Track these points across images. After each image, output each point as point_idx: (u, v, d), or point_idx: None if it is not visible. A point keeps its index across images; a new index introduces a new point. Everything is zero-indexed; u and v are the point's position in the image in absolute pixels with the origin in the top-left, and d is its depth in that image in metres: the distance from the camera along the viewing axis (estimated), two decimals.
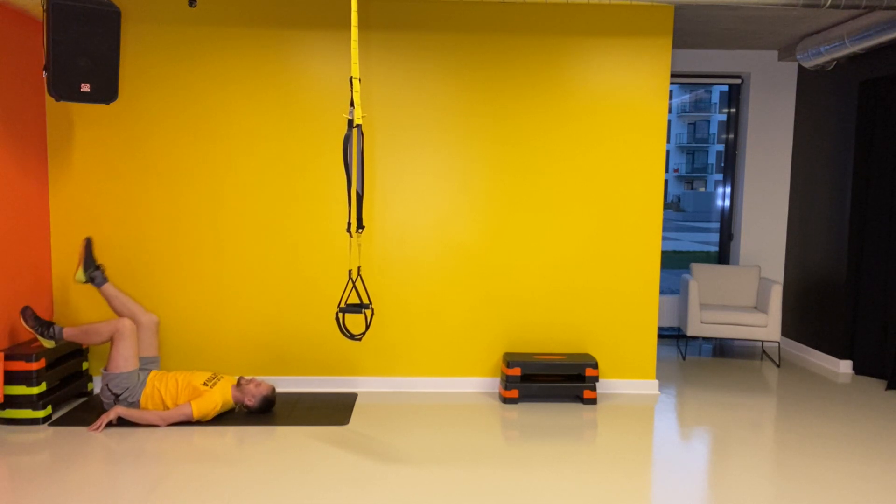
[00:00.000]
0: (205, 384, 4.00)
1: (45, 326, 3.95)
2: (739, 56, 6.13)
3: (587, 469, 3.40)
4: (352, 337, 3.42)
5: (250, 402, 4.08)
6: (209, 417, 3.95)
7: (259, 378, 4.61)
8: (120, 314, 4.16)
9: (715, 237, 22.69)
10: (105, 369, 3.94)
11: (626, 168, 4.64)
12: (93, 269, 4.16)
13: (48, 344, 3.96)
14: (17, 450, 3.54)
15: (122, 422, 3.93)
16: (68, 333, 3.97)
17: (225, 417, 4.05)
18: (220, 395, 3.98)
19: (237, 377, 4.17)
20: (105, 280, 4.17)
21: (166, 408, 3.96)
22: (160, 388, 3.97)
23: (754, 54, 6.13)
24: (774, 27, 5.30)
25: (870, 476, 3.38)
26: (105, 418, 3.84)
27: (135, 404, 3.95)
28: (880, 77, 5.12)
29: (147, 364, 4.13)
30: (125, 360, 3.91)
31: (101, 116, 4.48)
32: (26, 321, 3.92)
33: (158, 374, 4.04)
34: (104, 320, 4.23)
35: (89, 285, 4.53)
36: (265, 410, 4.14)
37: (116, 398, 3.93)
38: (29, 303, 4.26)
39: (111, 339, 3.94)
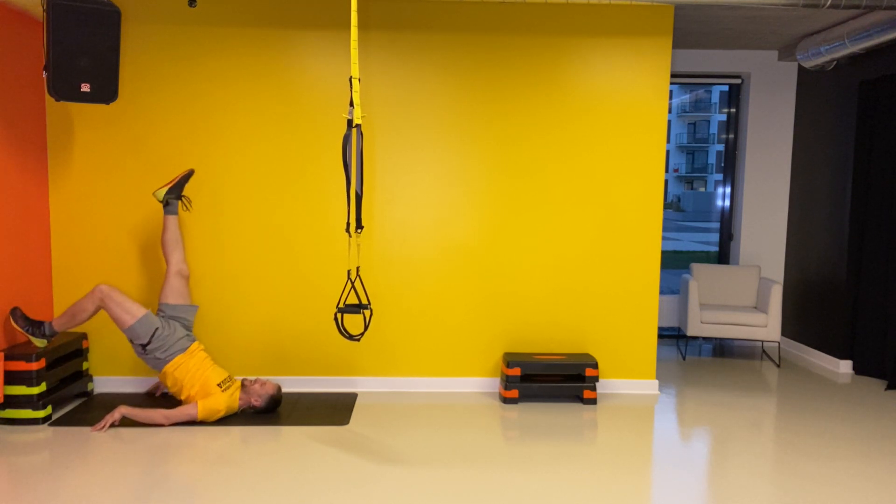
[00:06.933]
0: (219, 385, 4.00)
1: (35, 326, 3.95)
2: (739, 56, 6.13)
3: (587, 469, 3.40)
4: (350, 337, 3.42)
5: (257, 402, 4.07)
6: (212, 419, 3.96)
7: (263, 378, 4.61)
8: (164, 246, 4.17)
9: (715, 237, 22.69)
10: (123, 331, 3.96)
11: (626, 168, 4.64)
12: (175, 196, 4.18)
13: (40, 343, 3.96)
14: (17, 450, 3.54)
15: (125, 422, 3.93)
16: (58, 324, 3.97)
17: (227, 417, 4.05)
18: (225, 402, 3.98)
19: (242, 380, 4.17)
20: (175, 212, 4.20)
21: (180, 386, 3.97)
22: (189, 365, 3.98)
23: (754, 54, 6.13)
24: (774, 27, 5.30)
25: (870, 476, 3.38)
26: (109, 418, 3.84)
27: (164, 361, 3.95)
28: (880, 77, 5.12)
29: (184, 314, 4.15)
30: (127, 312, 3.91)
31: (101, 116, 4.48)
32: (16, 322, 3.92)
33: (198, 349, 4.08)
34: (80, 298, 4.22)
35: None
36: (272, 410, 4.14)
37: (144, 349, 3.92)
38: (29, 303, 4.26)
39: (101, 307, 3.93)
